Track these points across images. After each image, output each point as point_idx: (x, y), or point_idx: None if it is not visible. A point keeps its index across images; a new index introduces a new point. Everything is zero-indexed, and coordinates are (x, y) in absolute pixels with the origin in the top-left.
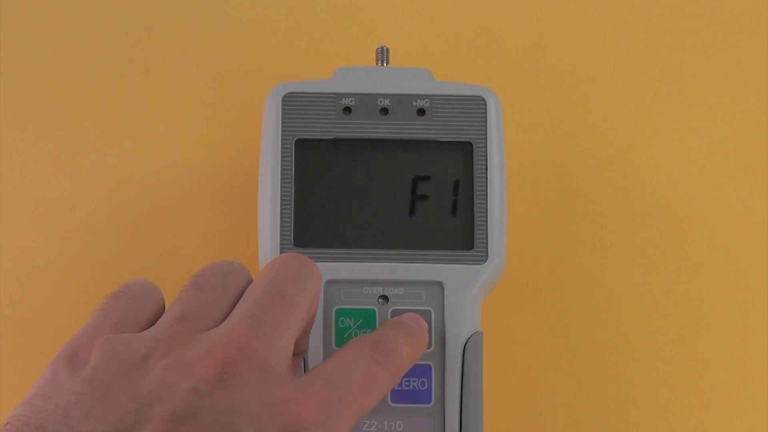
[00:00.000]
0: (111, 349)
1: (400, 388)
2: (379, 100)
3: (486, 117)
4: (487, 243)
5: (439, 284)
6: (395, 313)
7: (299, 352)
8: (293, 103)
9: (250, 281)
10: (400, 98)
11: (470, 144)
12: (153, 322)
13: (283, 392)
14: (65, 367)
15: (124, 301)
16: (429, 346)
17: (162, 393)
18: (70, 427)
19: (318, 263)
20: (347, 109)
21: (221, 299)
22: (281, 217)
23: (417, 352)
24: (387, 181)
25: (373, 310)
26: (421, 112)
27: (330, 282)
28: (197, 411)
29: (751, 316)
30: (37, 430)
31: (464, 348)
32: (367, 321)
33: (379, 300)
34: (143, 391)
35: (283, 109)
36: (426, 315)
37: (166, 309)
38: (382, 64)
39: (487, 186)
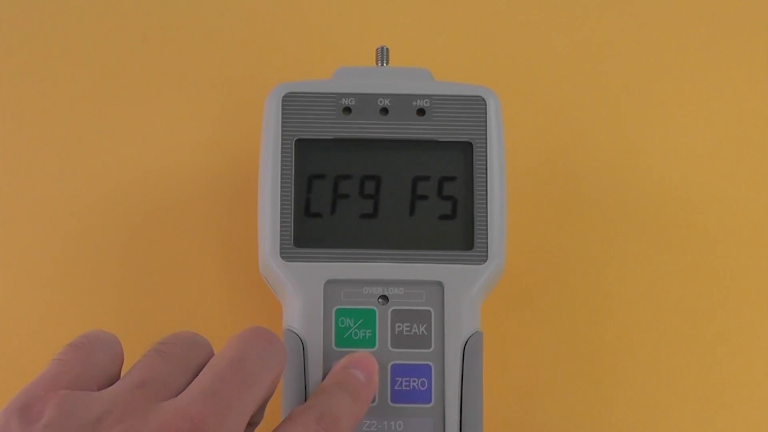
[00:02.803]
0: (66, 406)
1: (400, 388)
2: (379, 100)
3: (486, 117)
4: (487, 243)
5: (439, 284)
6: (395, 313)
7: (252, 423)
8: (293, 103)
9: (212, 356)
10: (400, 98)
11: (470, 144)
12: (110, 378)
13: None
14: (18, 418)
15: (83, 353)
16: (372, 400)
17: None
18: None
19: (318, 263)
20: (347, 109)
21: (183, 370)
22: (281, 217)
23: (362, 411)
24: (387, 181)
25: (373, 310)
26: (421, 112)
27: (330, 282)
28: None
29: (751, 317)
30: None
31: (464, 348)
32: (367, 321)
33: (379, 300)
34: None
35: (283, 109)
36: (426, 315)
37: (124, 363)
38: (382, 64)
39: (487, 186)
